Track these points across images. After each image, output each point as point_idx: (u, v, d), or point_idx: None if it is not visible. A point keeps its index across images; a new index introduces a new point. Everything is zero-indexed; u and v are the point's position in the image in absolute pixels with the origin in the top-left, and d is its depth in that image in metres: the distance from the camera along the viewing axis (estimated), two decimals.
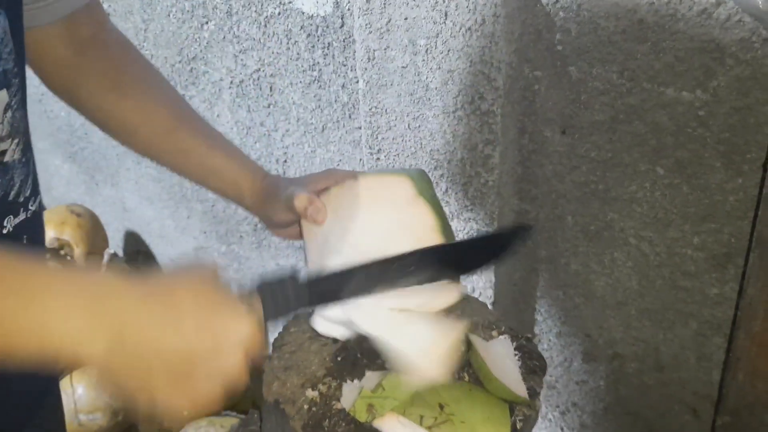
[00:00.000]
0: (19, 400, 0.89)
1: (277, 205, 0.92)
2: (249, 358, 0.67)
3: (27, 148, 0.84)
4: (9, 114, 0.77)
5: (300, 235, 0.93)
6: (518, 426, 0.84)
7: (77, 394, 1.93)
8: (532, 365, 0.92)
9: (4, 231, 0.80)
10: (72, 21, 0.91)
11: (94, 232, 2.36)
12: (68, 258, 2.28)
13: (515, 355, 0.91)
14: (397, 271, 0.79)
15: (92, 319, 0.60)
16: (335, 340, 0.93)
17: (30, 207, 0.85)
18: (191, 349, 0.63)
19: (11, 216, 0.81)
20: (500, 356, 0.90)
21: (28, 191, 0.84)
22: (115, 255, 2.39)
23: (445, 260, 0.83)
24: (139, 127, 0.94)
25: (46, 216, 2.34)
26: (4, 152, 0.78)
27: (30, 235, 0.86)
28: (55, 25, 0.90)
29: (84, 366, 0.64)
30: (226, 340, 0.65)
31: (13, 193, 0.81)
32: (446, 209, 1.37)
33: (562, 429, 1.54)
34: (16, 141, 0.80)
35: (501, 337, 0.93)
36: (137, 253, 2.54)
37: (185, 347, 0.63)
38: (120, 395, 0.65)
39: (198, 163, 0.95)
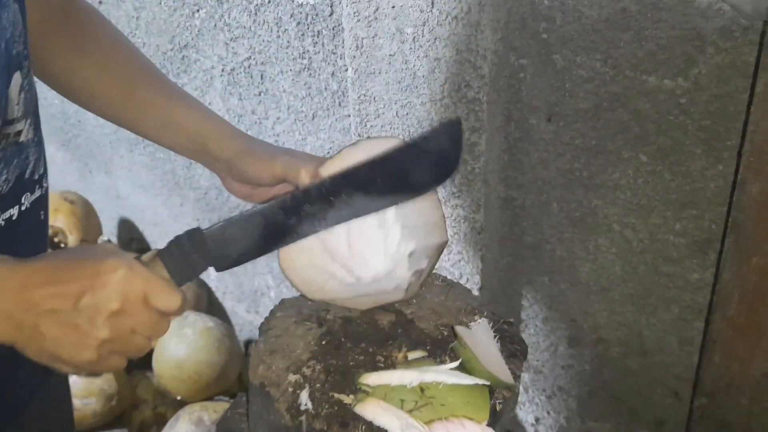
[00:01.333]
0: (23, 378, 0.90)
1: (260, 164, 0.89)
2: (152, 307, 0.70)
3: (37, 128, 0.86)
4: (23, 95, 0.79)
5: (259, 200, 0.92)
6: (498, 408, 0.85)
7: (71, 380, 1.95)
8: (513, 349, 0.94)
9: (23, 208, 0.83)
10: None
11: (87, 219, 2.37)
12: (62, 245, 2.29)
13: (494, 337, 0.92)
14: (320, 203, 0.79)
15: None
16: (320, 325, 0.95)
17: (43, 184, 0.88)
18: (69, 292, 0.66)
19: (28, 193, 0.84)
20: (482, 341, 0.91)
21: (42, 169, 0.87)
22: (108, 242, 2.41)
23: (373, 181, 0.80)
24: (99, 83, 0.93)
25: None
26: (20, 132, 0.80)
27: (44, 211, 0.90)
28: None
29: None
30: (104, 279, 0.67)
31: (28, 171, 0.83)
32: None
33: (548, 412, 1.56)
34: (28, 121, 0.82)
35: (480, 321, 0.95)
36: (131, 240, 2.55)
37: (64, 291, 0.66)
38: (44, 364, 0.69)
39: (158, 116, 0.93)
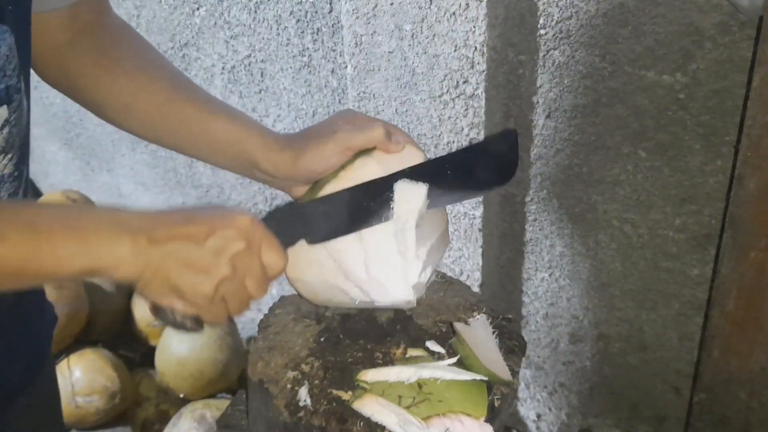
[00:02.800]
0: (8, 376, 0.90)
1: (322, 154, 0.84)
2: (263, 262, 0.72)
3: (22, 161, 0.83)
4: (6, 130, 0.77)
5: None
6: (496, 404, 0.85)
7: (74, 377, 1.96)
8: (512, 345, 0.94)
9: None
10: (75, 8, 0.89)
11: None
12: None
13: (493, 333, 0.92)
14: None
15: (120, 232, 0.67)
16: (318, 322, 0.95)
17: None
18: (199, 231, 0.69)
19: None
20: (481, 338, 0.91)
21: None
22: None
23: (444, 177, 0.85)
24: (135, 102, 0.90)
25: (42, 202, 2.35)
26: None
27: None
28: (59, 10, 0.88)
29: (121, 279, 0.69)
30: (231, 221, 0.70)
31: None
32: None
33: (550, 409, 1.57)
34: (9, 156, 0.79)
35: (479, 317, 0.95)
36: None
37: (194, 231, 0.69)
38: (159, 302, 0.72)
39: (201, 132, 0.89)
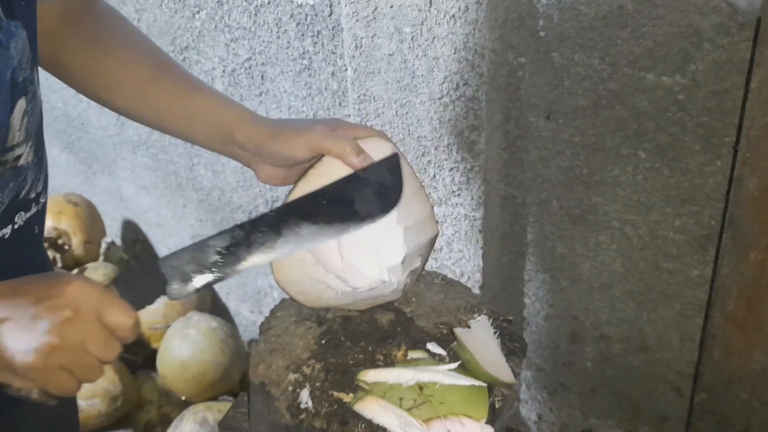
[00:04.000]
0: None
1: (294, 140, 0.86)
2: (105, 324, 0.70)
3: (39, 148, 0.87)
4: (26, 120, 0.80)
5: (291, 182, 0.91)
6: (497, 406, 0.86)
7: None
8: (513, 347, 0.94)
9: (16, 226, 0.84)
10: None
11: (91, 221, 2.38)
12: (66, 247, 2.30)
13: (495, 334, 0.93)
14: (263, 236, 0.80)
15: None
16: (320, 324, 0.95)
17: (41, 200, 0.89)
18: (24, 302, 0.67)
19: (22, 212, 0.85)
20: (482, 340, 0.92)
21: (40, 187, 0.88)
22: (113, 243, 2.42)
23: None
24: (120, 79, 0.93)
25: None
26: (19, 157, 0.81)
27: (39, 225, 0.91)
28: (51, 2, 0.91)
29: None
30: (58, 289, 0.68)
31: (24, 191, 0.84)
32: (434, 195, 1.40)
33: (551, 409, 1.57)
34: (29, 144, 0.83)
35: (479, 318, 0.95)
36: (135, 242, 2.56)
37: (19, 302, 0.67)
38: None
39: (180, 109, 0.92)
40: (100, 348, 0.70)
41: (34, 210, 0.87)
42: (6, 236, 0.82)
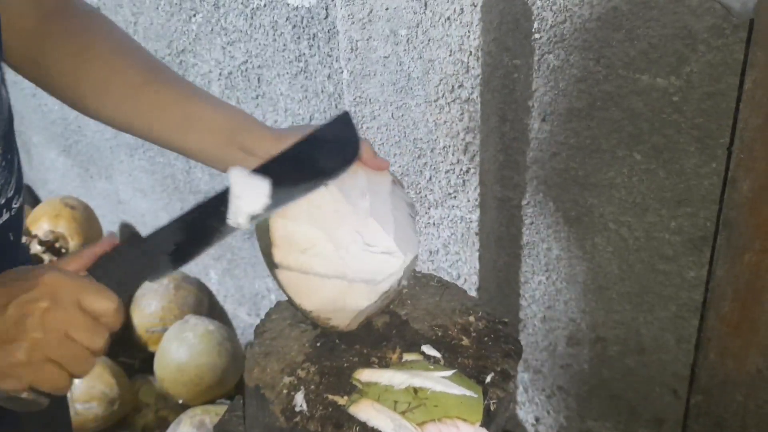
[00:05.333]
0: None
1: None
2: (87, 310, 0.67)
3: (8, 150, 0.82)
4: None
5: None
6: (492, 408, 0.86)
7: (73, 384, 1.96)
8: (508, 349, 0.94)
9: None
10: None
11: (88, 224, 2.38)
12: (63, 251, 2.30)
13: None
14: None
15: None
16: (315, 327, 0.95)
17: (14, 205, 0.85)
18: None
19: None
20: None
21: (11, 191, 0.84)
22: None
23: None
24: (109, 84, 0.87)
25: (41, 209, 2.36)
26: None
27: (14, 232, 0.87)
28: None
29: None
30: (32, 282, 0.66)
31: None
32: (430, 197, 1.40)
33: (548, 412, 1.57)
34: None
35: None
36: None
37: None
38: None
39: (178, 115, 0.86)
40: (86, 336, 0.67)
41: (5, 217, 0.82)
42: None
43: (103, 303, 0.68)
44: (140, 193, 2.38)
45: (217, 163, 0.88)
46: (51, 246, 2.28)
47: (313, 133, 0.84)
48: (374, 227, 0.87)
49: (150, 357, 2.14)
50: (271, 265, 0.88)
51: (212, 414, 1.91)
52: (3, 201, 0.82)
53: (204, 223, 0.79)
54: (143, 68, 0.88)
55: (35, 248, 2.25)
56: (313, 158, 0.84)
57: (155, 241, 0.77)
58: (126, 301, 0.72)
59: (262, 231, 0.89)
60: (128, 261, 0.74)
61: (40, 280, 0.66)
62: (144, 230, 2.50)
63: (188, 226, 0.78)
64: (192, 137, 0.87)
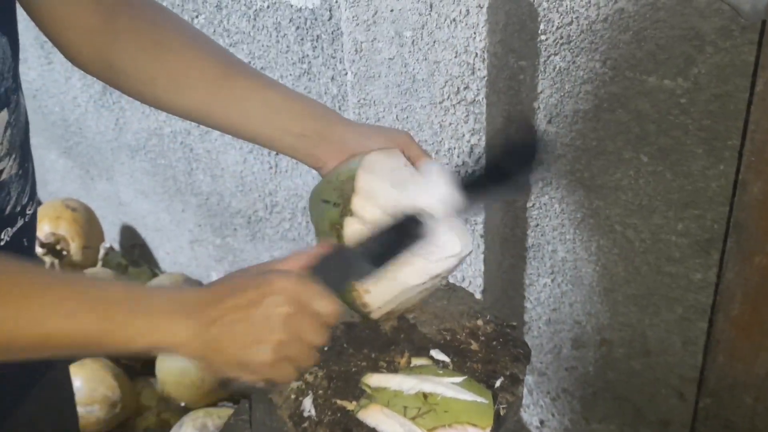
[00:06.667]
0: (15, 373, 0.90)
1: (371, 133, 0.90)
2: (315, 313, 0.73)
3: (25, 159, 0.83)
4: (8, 132, 0.78)
5: None
6: (501, 413, 0.85)
7: (75, 387, 1.95)
8: (516, 353, 0.94)
9: (2, 243, 0.81)
10: None
11: (89, 226, 2.37)
12: (64, 253, 2.29)
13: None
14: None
15: (179, 316, 0.70)
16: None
17: (27, 212, 0.86)
18: (245, 302, 0.71)
19: (9, 228, 0.82)
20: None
21: (26, 199, 0.85)
22: (111, 249, 2.41)
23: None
24: (186, 78, 0.88)
25: (42, 211, 2.35)
26: (1, 171, 0.78)
27: (28, 237, 0.88)
28: None
29: (186, 357, 0.72)
30: (274, 287, 0.71)
31: (9, 207, 0.81)
32: None
33: (553, 414, 1.56)
34: (13, 156, 0.80)
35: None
36: (133, 247, 2.55)
37: (240, 302, 0.71)
38: (226, 376, 0.74)
39: (257, 104, 0.88)
40: (313, 336, 0.73)
41: (20, 223, 0.84)
42: None
43: (330, 307, 0.74)
44: (141, 195, 2.37)
45: (296, 152, 0.91)
46: (52, 248, 2.27)
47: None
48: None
49: (152, 360, 2.13)
50: (344, 213, 0.86)
51: (214, 417, 1.90)
52: (18, 209, 0.83)
53: (401, 230, 0.83)
54: (218, 60, 0.90)
55: (36, 250, 2.24)
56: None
57: (360, 248, 0.81)
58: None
59: (344, 179, 0.87)
60: (338, 264, 0.79)
61: (282, 284, 0.72)
62: (144, 232, 2.49)
63: (387, 235, 0.82)
64: (272, 126, 0.89)
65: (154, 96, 0.91)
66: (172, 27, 0.91)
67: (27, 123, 0.84)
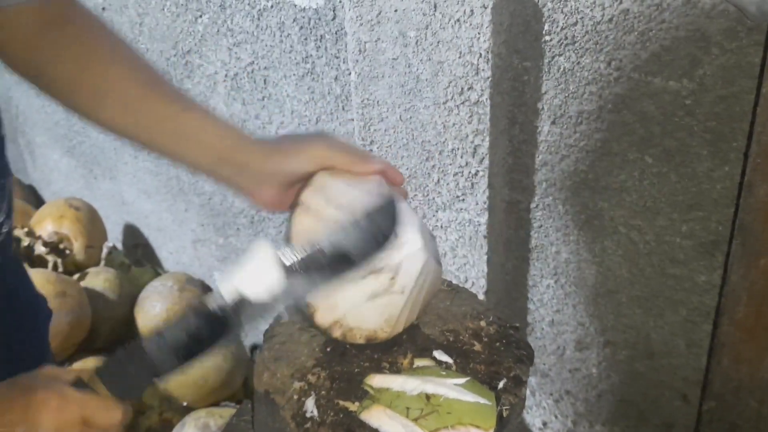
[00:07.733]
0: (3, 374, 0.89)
1: (297, 153, 0.86)
2: (93, 427, 0.68)
3: (2, 173, 0.82)
4: None
5: (288, 204, 0.89)
6: (504, 414, 0.85)
7: None
8: (520, 354, 0.93)
9: None
10: (43, 1, 0.88)
11: (92, 225, 2.37)
12: (67, 252, 2.29)
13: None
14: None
15: None
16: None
17: (2, 230, 0.84)
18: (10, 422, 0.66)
19: None
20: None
21: (2, 216, 0.83)
22: (114, 248, 2.41)
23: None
24: (108, 93, 0.88)
25: (45, 210, 2.35)
26: None
27: (3, 254, 0.86)
28: (25, 5, 0.87)
29: None
30: (35, 415, 0.66)
31: None
32: (438, 200, 1.39)
33: (556, 416, 1.56)
34: None
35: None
36: (136, 246, 2.55)
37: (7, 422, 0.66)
38: None
39: (173, 128, 0.88)
40: None
41: None
42: None
43: (108, 417, 0.69)
44: (144, 195, 2.37)
45: (212, 176, 0.91)
46: (55, 247, 2.27)
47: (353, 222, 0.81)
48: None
49: None
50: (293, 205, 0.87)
51: (216, 416, 1.90)
52: None
53: (219, 315, 0.77)
54: (141, 80, 0.89)
55: (39, 249, 2.24)
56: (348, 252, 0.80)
57: (159, 342, 0.75)
58: (135, 401, 0.73)
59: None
60: (134, 363, 0.73)
61: (43, 412, 0.66)
62: (147, 231, 2.49)
63: (200, 319, 0.77)
64: (186, 152, 0.89)
65: (80, 109, 0.91)
66: (101, 40, 0.91)
67: (2, 137, 0.83)
